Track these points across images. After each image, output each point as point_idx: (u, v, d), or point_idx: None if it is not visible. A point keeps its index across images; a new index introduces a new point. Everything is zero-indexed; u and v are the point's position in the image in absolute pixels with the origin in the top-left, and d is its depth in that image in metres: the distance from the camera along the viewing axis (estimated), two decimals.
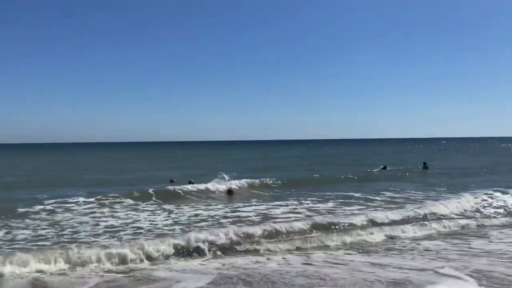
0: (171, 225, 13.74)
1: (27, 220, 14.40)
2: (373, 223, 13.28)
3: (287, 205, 17.27)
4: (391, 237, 12.22)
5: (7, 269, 8.91)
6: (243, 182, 23.39)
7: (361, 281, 8.31)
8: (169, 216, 15.25)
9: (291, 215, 15.23)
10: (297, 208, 16.55)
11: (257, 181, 23.81)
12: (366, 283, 8.17)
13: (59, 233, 12.62)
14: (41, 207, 16.48)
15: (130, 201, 18.27)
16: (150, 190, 20.16)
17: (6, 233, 12.60)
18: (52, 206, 16.70)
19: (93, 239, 11.84)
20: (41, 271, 9.03)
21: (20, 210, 15.91)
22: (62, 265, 9.32)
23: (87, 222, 14.14)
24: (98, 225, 13.76)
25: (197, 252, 10.51)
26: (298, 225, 12.61)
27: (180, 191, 20.76)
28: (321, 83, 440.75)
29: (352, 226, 12.82)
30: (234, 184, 22.48)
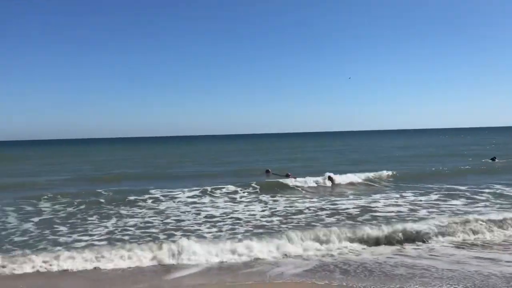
0: (269, 216, 13.92)
1: (135, 209, 15.50)
2: (473, 218, 12.17)
3: (387, 198, 16.72)
4: (501, 226, 11.28)
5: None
6: (345, 175, 22.46)
7: (474, 274, 7.80)
8: (266, 207, 15.48)
9: (391, 208, 14.70)
10: (398, 202, 15.94)
11: (359, 174, 23.03)
12: (480, 277, 7.64)
13: (164, 221, 13.40)
14: (148, 196, 17.64)
15: (229, 192, 18.86)
16: (248, 181, 20.66)
17: (117, 220, 13.68)
18: (158, 196, 17.80)
19: (196, 227, 12.41)
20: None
21: (130, 198, 17.19)
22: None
23: (189, 211, 14.84)
24: (199, 214, 14.37)
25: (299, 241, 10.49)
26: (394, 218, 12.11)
27: (278, 182, 21.02)
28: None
29: (450, 220, 11.93)
30: (334, 177, 21.88)
